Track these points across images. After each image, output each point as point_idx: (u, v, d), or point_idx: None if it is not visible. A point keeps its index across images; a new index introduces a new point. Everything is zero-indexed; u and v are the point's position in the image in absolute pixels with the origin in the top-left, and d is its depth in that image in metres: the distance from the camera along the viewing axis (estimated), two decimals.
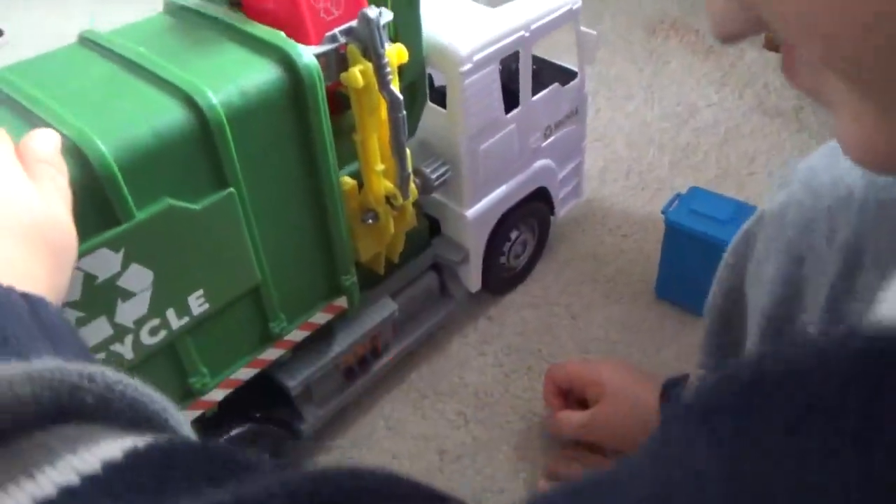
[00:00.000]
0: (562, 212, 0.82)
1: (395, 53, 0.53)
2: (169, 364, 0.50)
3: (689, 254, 0.73)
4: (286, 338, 0.58)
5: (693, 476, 0.13)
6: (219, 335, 0.52)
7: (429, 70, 0.63)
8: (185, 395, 0.53)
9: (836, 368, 0.13)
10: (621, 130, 1.05)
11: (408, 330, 0.72)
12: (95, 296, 0.42)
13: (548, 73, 0.74)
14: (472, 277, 0.74)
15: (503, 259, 0.78)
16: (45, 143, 0.37)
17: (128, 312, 0.45)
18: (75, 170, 0.38)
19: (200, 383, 0.53)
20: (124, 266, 0.43)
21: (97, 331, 0.44)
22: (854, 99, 0.17)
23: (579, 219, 0.90)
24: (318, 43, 0.50)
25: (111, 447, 0.19)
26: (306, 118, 0.49)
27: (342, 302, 0.61)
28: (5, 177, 0.32)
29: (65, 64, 0.47)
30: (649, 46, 1.22)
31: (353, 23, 0.50)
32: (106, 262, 0.42)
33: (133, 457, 0.18)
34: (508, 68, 0.70)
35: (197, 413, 0.54)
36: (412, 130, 0.64)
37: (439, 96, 0.65)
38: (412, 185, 0.60)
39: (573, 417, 0.63)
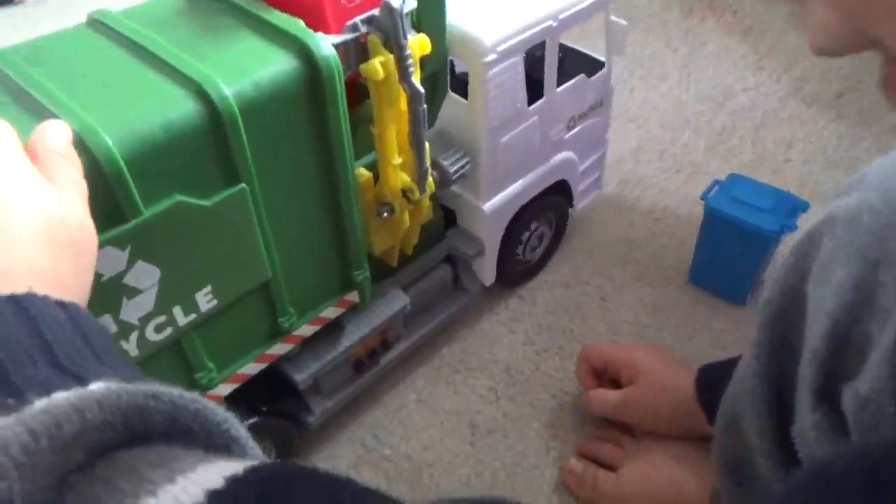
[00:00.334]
0: (581, 204, 0.80)
1: (418, 44, 0.50)
2: (175, 359, 0.49)
3: (728, 241, 0.72)
4: (295, 332, 0.56)
5: None
6: (226, 331, 0.51)
7: (450, 57, 0.61)
8: (191, 390, 0.51)
9: None
10: (655, 111, 1.03)
11: (419, 323, 0.71)
12: (100, 293, 0.41)
13: (573, 62, 0.71)
14: (487, 270, 0.73)
15: (519, 252, 0.76)
16: (58, 135, 0.35)
17: (133, 310, 0.43)
18: None
19: (207, 378, 0.51)
20: (130, 263, 0.41)
21: None
22: None
23: (611, 201, 0.89)
24: (338, 31, 0.48)
25: (209, 474, 0.18)
26: (323, 111, 0.47)
27: (353, 296, 0.59)
28: (19, 175, 0.30)
29: (71, 47, 0.45)
30: (685, 26, 1.19)
31: (375, 11, 0.48)
32: (111, 260, 0.40)
33: (234, 483, 0.18)
34: (532, 55, 0.67)
35: None
36: (431, 121, 0.61)
37: (460, 84, 0.62)
38: (429, 179, 0.58)
39: (607, 396, 0.64)
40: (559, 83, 0.66)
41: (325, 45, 0.45)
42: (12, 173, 0.30)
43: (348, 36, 0.48)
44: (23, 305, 0.25)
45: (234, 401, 0.55)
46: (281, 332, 0.55)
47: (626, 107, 1.04)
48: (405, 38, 0.48)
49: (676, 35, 1.17)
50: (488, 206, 0.67)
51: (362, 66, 0.49)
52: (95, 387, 0.20)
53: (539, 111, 0.66)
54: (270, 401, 0.60)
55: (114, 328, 0.43)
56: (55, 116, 0.38)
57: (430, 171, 0.57)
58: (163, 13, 0.48)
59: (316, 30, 0.46)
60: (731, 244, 0.72)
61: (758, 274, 0.75)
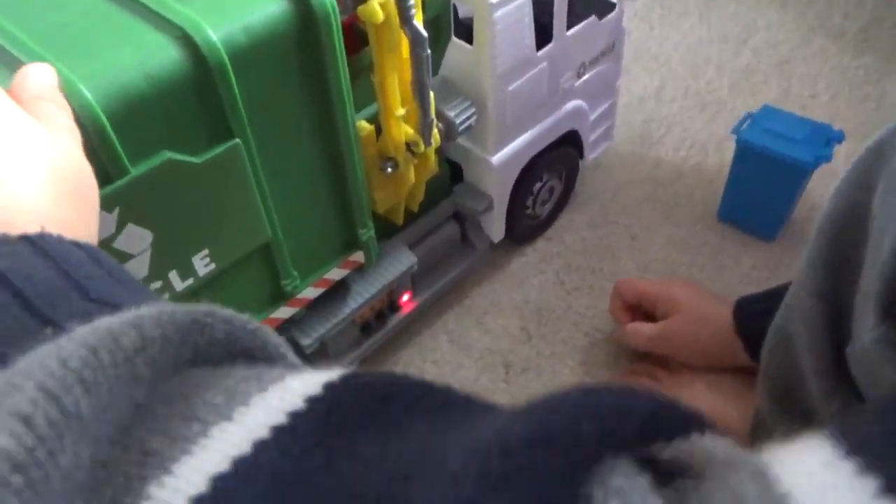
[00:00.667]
0: (591, 156, 0.77)
1: None
2: None
3: (761, 175, 0.71)
4: (299, 296, 0.54)
5: None
6: (227, 296, 0.48)
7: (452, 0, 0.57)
8: None
9: None
10: (677, 49, 1.00)
11: (427, 282, 0.68)
12: None
13: (582, 3, 0.67)
14: (496, 226, 0.70)
15: (529, 207, 0.73)
16: (41, 78, 0.32)
17: None
18: None
19: None
20: (119, 227, 0.39)
21: None
22: None
23: (635, 140, 0.88)
24: None
25: (302, 381, 0.18)
26: (320, 58, 0.43)
27: (359, 257, 0.57)
28: (12, 121, 0.28)
29: None
30: None
31: None
32: (99, 224, 0.37)
33: (331, 390, 0.17)
34: None
35: None
36: (435, 69, 0.58)
37: (464, 29, 0.59)
38: (435, 131, 0.55)
39: (644, 328, 0.63)
40: (569, 26, 0.63)
41: None
42: (5, 120, 0.28)
43: None
44: (39, 245, 0.23)
45: None
46: (285, 295, 0.52)
47: (646, 45, 1.01)
48: None
49: None
50: (496, 158, 0.64)
51: (360, 9, 0.45)
52: (144, 309, 0.19)
53: (548, 56, 0.62)
54: None
55: None
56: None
57: (435, 122, 0.54)
58: None
59: None
60: (764, 178, 0.70)
61: (790, 209, 0.74)
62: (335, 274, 0.56)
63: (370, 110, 0.54)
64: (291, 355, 0.22)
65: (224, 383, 0.18)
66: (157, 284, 0.43)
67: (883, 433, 0.14)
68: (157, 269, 0.42)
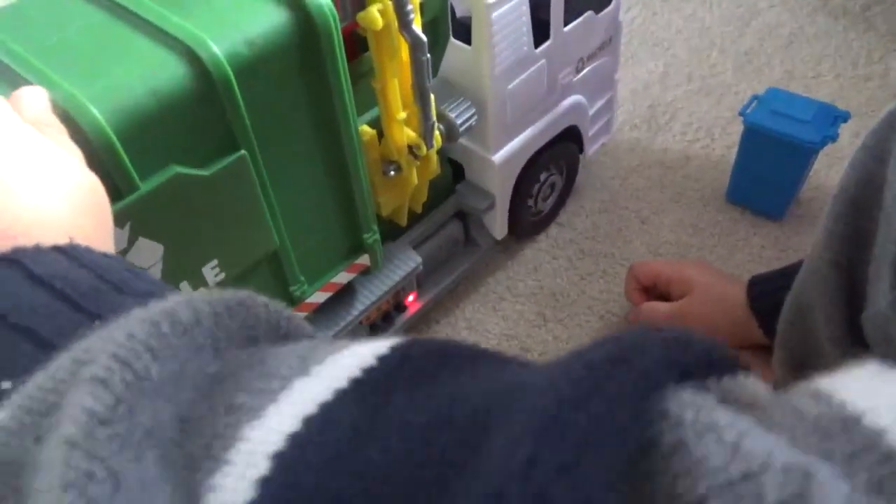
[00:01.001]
0: (591, 150, 0.77)
1: None
2: None
3: (768, 155, 0.72)
4: (307, 300, 0.54)
5: None
6: None
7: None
8: None
9: None
10: (680, 34, 1.01)
11: (432, 282, 0.69)
12: None
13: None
14: (498, 224, 0.70)
15: (531, 203, 0.73)
16: (35, 102, 0.33)
17: None
18: None
19: None
20: (131, 241, 0.39)
21: None
22: None
23: (642, 125, 0.89)
24: None
25: (368, 346, 0.18)
26: (322, 66, 0.44)
27: (365, 260, 0.57)
28: (29, 139, 0.29)
29: (42, 9, 0.42)
30: None
31: None
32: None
33: (399, 349, 0.18)
34: None
35: None
36: (434, 70, 0.58)
37: (462, 29, 0.59)
38: (436, 133, 0.55)
39: (660, 308, 0.64)
40: (566, 22, 0.63)
41: None
42: (23, 138, 0.28)
43: None
44: (71, 254, 0.23)
45: None
46: (293, 300, 0.53)
47: (649, 30, 1.02)
48: None
49: None
50: (497, 157, 0.64)
51: (359, 16, 0.45)
52: (192, 293, 0.20)
53: (546, 53, 0.62)
54: None
55: None
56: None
57: (436, 124, 0.54)
58: None
59: None
60: (772, 158, 0.72)
61: (797, 188, 0.75)
62: (342, 278, 0.56)
63: (371, 114, 0.54)
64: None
65: (294, 350, 0.19)
66: None
67: None
68: (169, 281, 0.43)
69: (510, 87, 0.60)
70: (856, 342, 0.40)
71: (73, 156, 0.31)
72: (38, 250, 0.23)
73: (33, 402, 0.17)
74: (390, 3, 0.45)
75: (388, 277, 0.62)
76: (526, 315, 0.72)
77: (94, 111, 0.35)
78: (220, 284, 0.46)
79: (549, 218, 0.79)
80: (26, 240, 0.24)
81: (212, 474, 0.16)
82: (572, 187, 0.80)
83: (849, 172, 0.40)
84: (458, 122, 0.58)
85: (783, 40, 0.98)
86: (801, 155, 0.70)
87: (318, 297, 0.55)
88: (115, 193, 0.37)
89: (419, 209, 0.63)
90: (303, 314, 0.55)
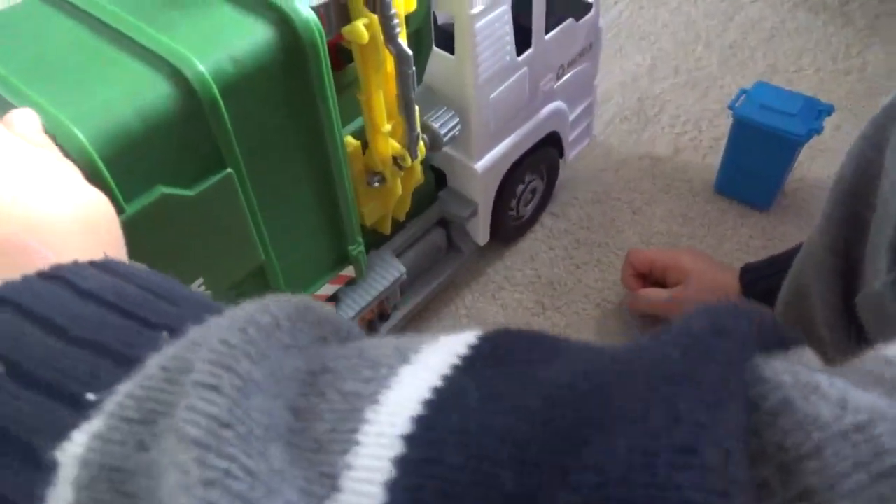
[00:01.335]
0: (571, 154, 0.78)
1: (403, 2, 0.46)
2: None
3: (756, 148, 0.74)
4: None
5: None
6: None
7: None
8: None
9: None
10: (666, 27, 1.03)
11: (415, 289, 0.69)
12: None
13: (558, 4, 0.68)
14: (481, 230, 0.70)
15: (513, 208, 0.74)
16: (29, 123, 0.32)
17: None
18: None
19: None
20: None
21: None
22: None
23: (632, 118, 0.91)
24: None
25: (455, 337, 0.19)
26: (308, 81, 0.43)
27: (349, 271, 0.57)
28: (31, 154, 0.28)
29: (23, 24, 0.41)
30: None
31: None
32: None
33: (486, 338, 0.19)
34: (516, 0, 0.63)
35: None
36: (419, 79, 0.58)
37: (443, 37, 0.59)
38: (420, 143, 0.55)
39: (656, 294, 0.66)
40: (547, 29, 0.63)
41: (304, 8, 0.42)
42: (29, 159, 0.28)
43: None
44: (110, 268, 0.23)
45: None
46: None
47: (636, 24, 1.04)
48: None
49: None
50: (480, 165, 0.64)
51: (345, 30, 0.45)
52: (259, 300, 0.20)
53: (528, 61, 0.62)
54: None
55: None
56: (13, 107, 0.34)
57: (420, 135, 0.54)
58: None
59: None
60: (760, 151, 0.74)
61: (784, 179, 0.78)
62: (327, 290, 0.56)
63: (355, 125, 0.54)
64: None
65: (385, 342, 0.19)
66: None
67: None
68: None
69: (493, 95, 0.60)
70: (851, 326, 0.42)
71: (78, 174, 0.30)
72: (78, 265, 0.23)
73: (127, 411, 0.17)
74: (376, 17, 0.45)
75: (373, 287, 0.62)
76: (524, 303, 0.73)
77: (79, 133, 0.34)
78: None
79: (531, 222, 0.79)
80: (48, 252, 0.24)
81: (343, 454, 0.16)
82: (553, 191, 0.80)
83: (847, 160, 0.42)
84: (442, 131, 0.58)
85: (765, 34, 1.01)
86: (788, 147, 0.73)
87: None
88: None
89: (402, 217, 0.63)
90: None
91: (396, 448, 0.16)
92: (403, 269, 0.63)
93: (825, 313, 0.44)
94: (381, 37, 0.46)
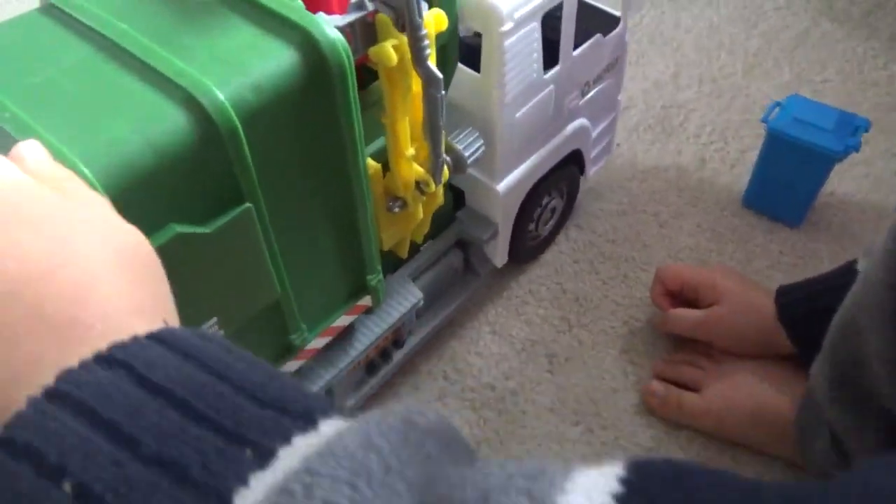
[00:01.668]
0: (592, 171, 0.75)
1: (434, 21, 0.43)
2: None
3: (790, 163, 0.72)
4: (308, 347, 0.51)
5: None
6: None
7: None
8: None
9: None
10: (689, 33, 1.01)
11: (431, 314, 0.66)
12: None
13: (585, 19, 0.64)
14: (500, 252, 0.67)
15: (532, 228, 0.71)
16: (39, 156, 0.28)
17: None
18: None
19: None
20: None
21: None
22: None
23: (657, 125, 0.88)
24: (342, 11, 0.41)
25: (598, 472, 0.18)
26: (332, 105, 0.40)
27: (366, 301, 0.54)
28: (55, 205, 0.25)
29: (26, 44, 0.37)
30: None
31: None
32: None
33: (630, 483, 0.17)
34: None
35: None
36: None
37: (468, 52, 0.55)
38: (444, 168, 0.52)
39: (688, 315, 0.64)
40: (574, 45, 0.60)
41: (330, 28, 0.38)
42: (47, 204, 0.24)
43: (354, 16, 0.41)
44: (172, 344, 0.20)
45: None
46: (292, 349, 0.49)
47: (659, 29, 1.02)
48: (420, 16, 0.41)
49: None
50: (502, 186, 0.61)
51: (372, 50, 0.42)
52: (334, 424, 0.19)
53: (555, 79, 0.59)
54: None
55: None
56: (14, 140, 0.31)
57: (445, 158, 0.51)
58: None
59: (315, 10, 0.39)
60: (794, 166, 0.72)
61: (815, 195, 0.75)
62: (343, 321, 0.53)
63: (376, 146, 0.51)
64: None
65: (505, 474, 0.17)
66: None
67: None
68: None
69: (519, 114, 0.57)
70: None
71: (108, 209, 0.27)
72: (139, 344, 0.20)
73: None
74: (405, 38, 0.42)
75: (388, 314, 0.59)
76: (550, 320, 0.71)
77: (86, 170, 0.31)
78: None
79: (548, 241, 0.76)
80: (95, 321, 0.20)
81: None
82: (572, 208, 0.77)
83: None
84: (466, 153, 0.55)
85: (789, 43, 0.98)
86: (823, 163, 0.70)
87: (318, 342, 0.52)
88: None
89: (420, 240, 0.60)
90: (300, 363, 0.52)
91: None
92: (420, 296, 0.60)
93: (884, 352, 0.42)
94: (410, 59, 0.43)
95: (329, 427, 0.19)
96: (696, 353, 0.65)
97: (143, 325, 0.21)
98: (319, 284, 0.49)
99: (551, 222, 0.74)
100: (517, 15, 0.51)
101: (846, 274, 0.55)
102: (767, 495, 0.16)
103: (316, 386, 0.54)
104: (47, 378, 0.19)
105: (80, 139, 0.32)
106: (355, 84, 0.40)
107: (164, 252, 0.35)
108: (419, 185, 0.51)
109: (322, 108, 0.40)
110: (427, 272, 0.64)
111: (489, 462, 0.18)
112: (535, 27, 0.53)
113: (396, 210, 0.52)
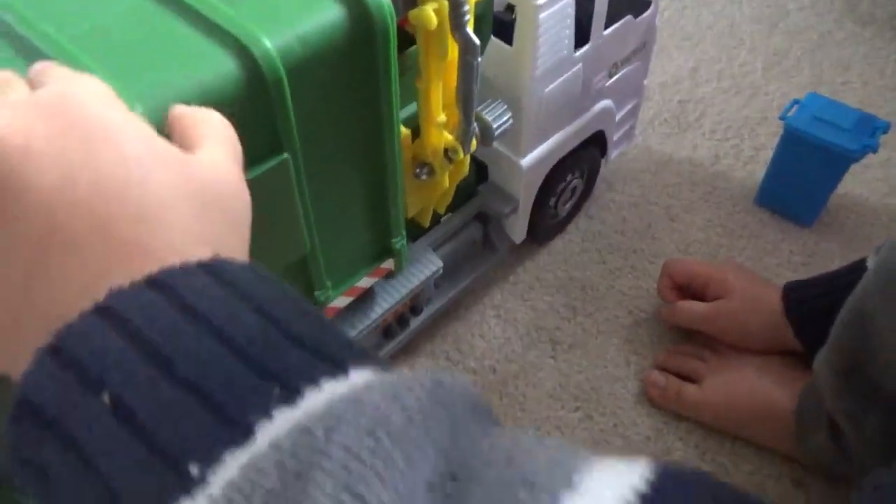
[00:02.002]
0: (613, 154, 0.75)
1: None
2: None
3: (807, 161, 0.72)
4: (330, 305, 0.52)
5: None
6: None
7: None
8: None
9: None
10: (710, 29, 1.01)
11: (448, 285, 0.67)
12: None
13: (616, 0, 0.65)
14: (519, 228, 0.68)
15: (551, 207, 0.71)
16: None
17: None
18: None
19: None
20: None
21: None
22: None
23: (673, 120, 0.89)
24: None
25: (624, 465, 0.18)
26: (373, 64, 0.41)
27: (389, 264, 0.55)
28: (142, 124, 0.25)
29: None
30: None
31: None
32: None
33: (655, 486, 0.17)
34: None
35: None
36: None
37: (498, 26, 0.56)
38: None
39: (696, 307, 0.64)
40: (605, 25, 0.61)
41: None
42: (136, 136, 0.24)
43: None
44: (222, 275, 0.20)
45: None
46: (316, 305, 0.50)
47: (679, 24, 1.02)
48: None
49: None
50: (526, 161, 0.62)
51: (412, 13, 0.43)
52: (383, 376, 0.19)
53: (584, 57, 0.60)
54: None
55: None
56: None
57: (475, 128, 0.52)
58: None
59: None
60: (810, 165, 0.72)
61: (830, 195, 0.75)
62: (365, 282, 0.54)
63: (407, 111, 0.51)
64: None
65: (534, 445, 0.18)
66: None
67: None
68: None
69: (547, 90, 0.58)
70: None
71: (219, 152, 0.28)
72: (186, 270, 0.20)
73: (237, 495, 0.15)
74: (445, 2, 0.42)
75: (408, 280, 0.60)
76: (555, 306, 0.71)
77: (137, 105, 0.32)
78: None
79: (566, 221, 0.77)
80: (159, 241, 0.21)
81: None
82: (592, 190, 0.78)
83: None
84: (495, 125, 0.55)
85: (811, 43, 0.98)
86: (839, 163, 0.70)
87: (341, 301, 0.53)
88: None
89: (443, 210, 0.61)
90: None
91: None
92: (440, 264, 0.61)
93: (892, 340, 0.43)
94: (448, 24, 0.43)
95: (359, 377, 0.19)
96: (701, 346, 0.65)
97: (205, 255, 0.21)
98: (346, 243, 0.50)
99: (570, 202, 0.75)
100: None
101: (855, 272, 0.55)
102: None
103: None
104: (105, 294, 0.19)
105: (133, 80, 0.33)
106: (396, 47, 0.41)
107: None
108: (447, 153, 0.52)
109: (363, 66, 0.41)
110: (447, 244, 0.65)
111: (514, 427, 0.19)
112: (569, 2, 0.54)
113: (424, 177, 0.53)
